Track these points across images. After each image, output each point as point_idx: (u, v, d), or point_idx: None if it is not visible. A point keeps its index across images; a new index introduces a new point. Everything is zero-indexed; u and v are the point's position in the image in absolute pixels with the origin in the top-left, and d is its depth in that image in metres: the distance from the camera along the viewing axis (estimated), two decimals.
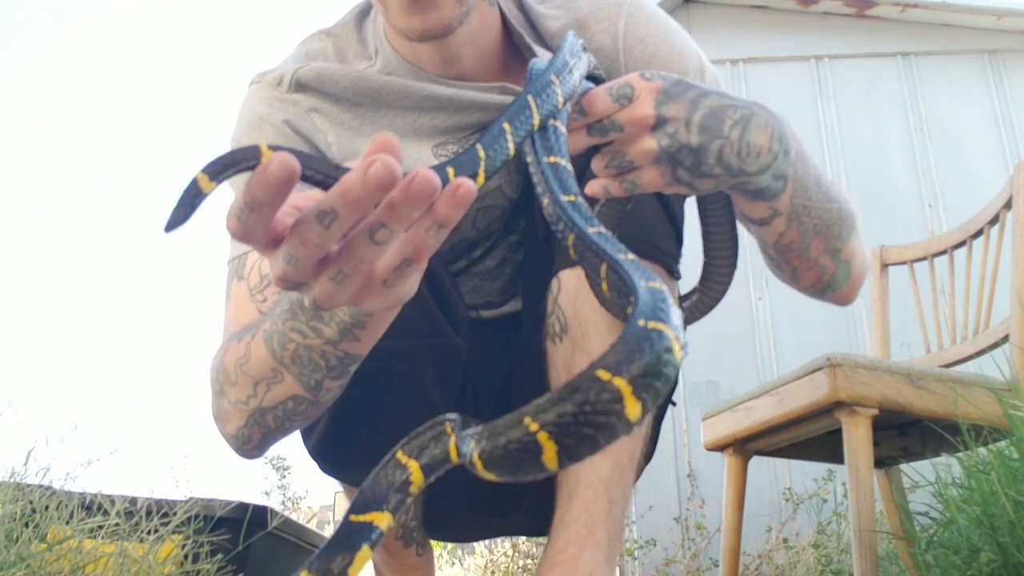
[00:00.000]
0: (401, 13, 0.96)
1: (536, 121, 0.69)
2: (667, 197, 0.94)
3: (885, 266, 2.13)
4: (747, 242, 1.02)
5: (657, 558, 3.20)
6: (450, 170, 0.59)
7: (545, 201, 0.66)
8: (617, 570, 3.49)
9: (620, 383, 0.43)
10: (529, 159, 0.69)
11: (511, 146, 0.66)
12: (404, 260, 0.56)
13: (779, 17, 4.04)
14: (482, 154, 0.64)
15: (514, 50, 1.11)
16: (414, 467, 0.58)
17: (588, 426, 0.43)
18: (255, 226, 0.53)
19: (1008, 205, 1.74)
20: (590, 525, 0.84)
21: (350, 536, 0.56)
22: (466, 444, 0.50)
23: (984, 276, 1.81)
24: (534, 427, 0.44)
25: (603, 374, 0.43)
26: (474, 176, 0.62)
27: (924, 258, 2.06)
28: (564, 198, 0.64)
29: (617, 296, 0.55)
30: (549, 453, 0.44)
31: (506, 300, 1.20)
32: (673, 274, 0.94)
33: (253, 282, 0.96)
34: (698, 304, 0.87)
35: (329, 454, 1.03)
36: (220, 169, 0.52)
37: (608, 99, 0.74)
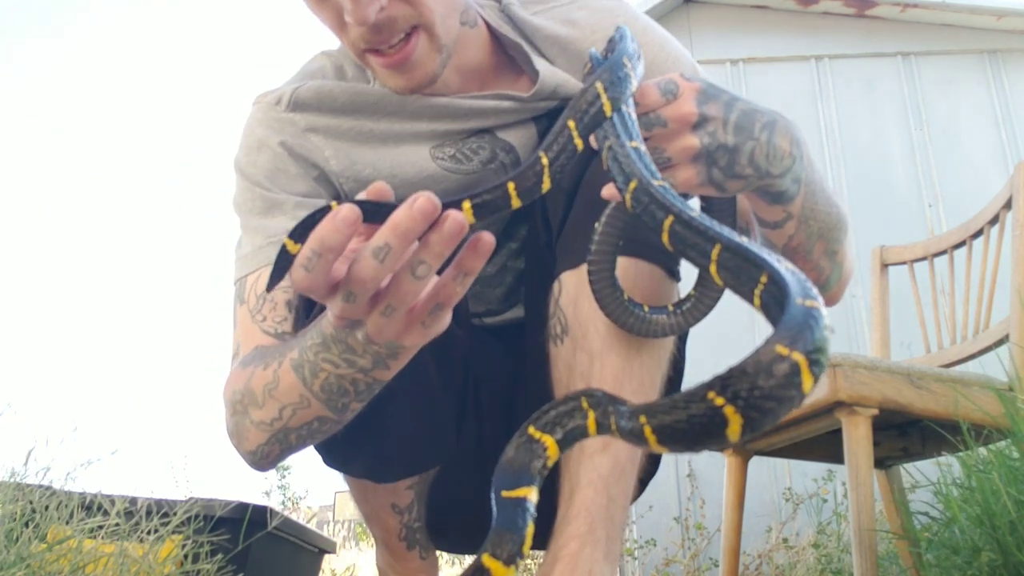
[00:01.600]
0: (386, 76, 1.02)
1: (608, 109, 0.69)
2: None
3: (885, 266, 2.13)
4: None
5: (657, 558, 3.20)
6: (511, 185, 0.64)
7: (632, 185, 0.64)
8: (618, 570, 3.50)
9: (799, 356, 0.44)
10: (608, 143, 0.69)
11: (578, 141, 0.67)
12: (437, 304, 0.65)
13: (779, 17, 4.04)
14: (545, 160, 0.66)
15: (506, 58, 1.12)
16: (550, 442, 0.60)
17: (772, 399, 0.45)
18: (319, 273, 0.60)
19: (1008, 205, 1.74)
20: (590, 522, 0.85)
21: (511, 515, 0.58)
22: (630, 419, 0.52)
23: (984, 276, 1.81)
24: (720, 401, 0.46)
25: (782, 349, 0.45)
26: (538, 185, 0.66)
27: (924, 258, 2.06)
28: (656, 182, 0.63)
29: (733, 278, 0.55)
30: (734, 426, 0.46)
31: (508, 307, 1.20)
32: (673, 275, 0.94)
33: (252, 304, 1.01)
34: (695, 307, 0.87)
35: (331, 444, 1.04)
36: (303, 231, 0.61)
37: (658, 92, 0.75)
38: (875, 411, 1.45)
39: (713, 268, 0.57)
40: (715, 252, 0.56)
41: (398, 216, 0.58)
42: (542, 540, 0.90)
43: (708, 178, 0.78)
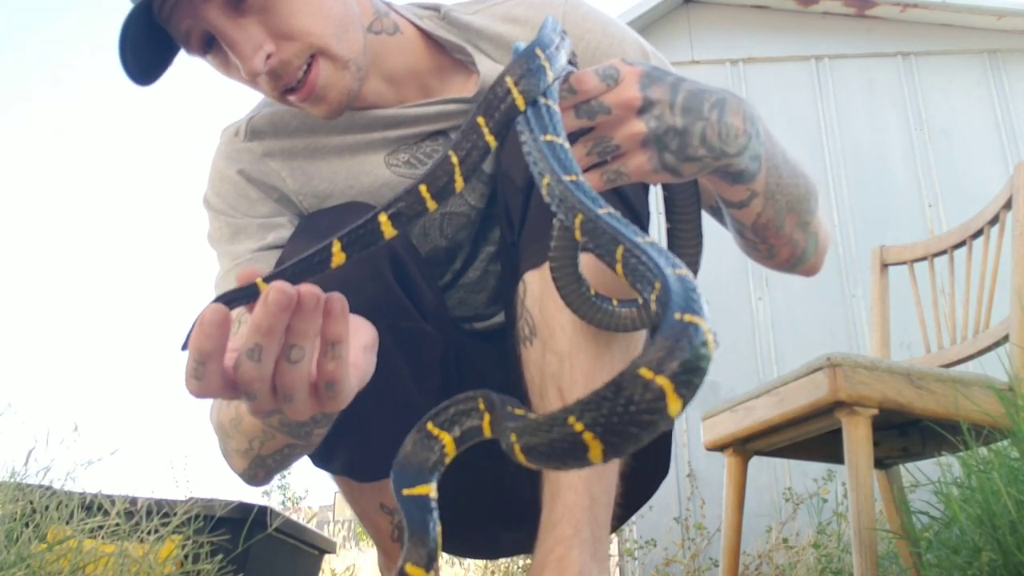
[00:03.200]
0: (305, 108, 1.04)
1: (521, 103, 0.67)
2: (629, 195, 0.94)
3: (885, 266, 2.13)
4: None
5: (657, 558, 3.20)
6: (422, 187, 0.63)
7: (544, 181, 0.62)
8: (618, 570, 3.50)
9: (663, 381, 0.42)
10: (523, 138, 0.67)
11: (488, 139, 0.66)
12: (326, 384, 0.64)
13: (779, 17, 4.04)
14: (455, 160, 0.64)
15: (452, 61, 1.13)
16: (447, 439, 0.60)
17: (633, 425, 0.43)
18: (211, 379, 0.59)
19: (1008, 205, 1.74)
20: (574, 525, 0.84)
21: (419, 517, 0.58)
22: (506, 435, 0.51)
23: (984, 276, 1.81)
24: (579, 427, 0.44)
25: (646, 373, 0.42)
26: (448, 185, 0.65)
27: (924, 258, 2.06)
28: (566, 177, 0.61)
29: (636, 282, 0.53)
30: (595, 451, 0.45)
31: (494, 312, 1.20)
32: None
33: None
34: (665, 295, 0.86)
35: None
36: (229, 301, 0.61)
37: (596, 78, 0.73)
38: (875, 411, 1.45)
39: (619, 269, 0.55)
40: (619, 252, 0.54)
41: (257, 316, 0.57)
42: (527, 543, 0.90)
43: (661, 163, 0.76)
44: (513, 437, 0.49)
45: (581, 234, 0.58)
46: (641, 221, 0.96)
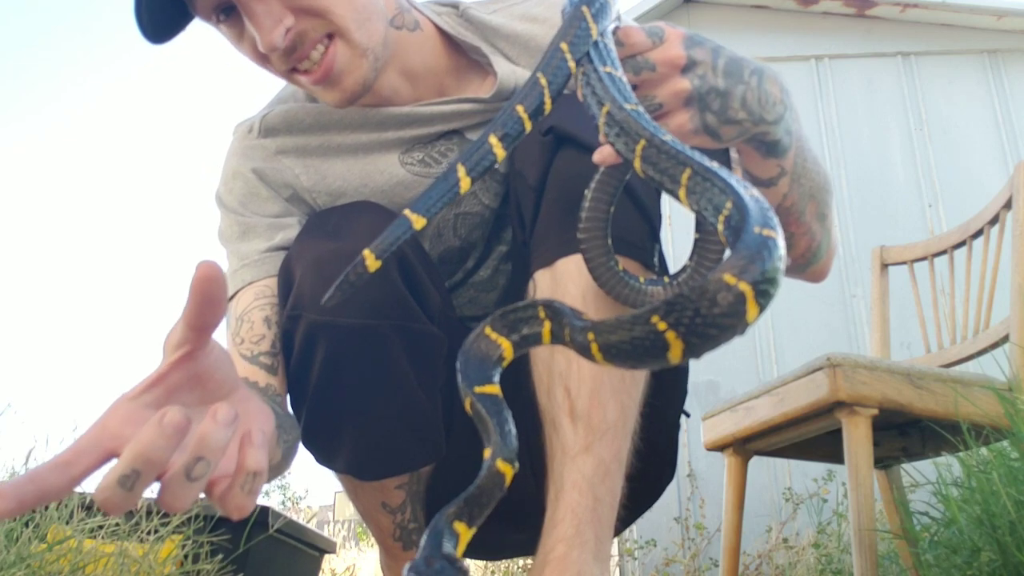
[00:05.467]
0: (319, 92, 1.02)
1: (595, 30, 0.69)
2: (640, 194, 0.94)
3: (885, 266, 2.13)
4: None
5: (657, 558, 3.20)
6: (519, 107, 0.64)
7: (604, 109, 0.63)
8: (617, 570, 3.49)
9: (745, 287, 0.44)
10: (581, 70, 0.68)
11: (571, 64, 0.67)
12: (234, 509, 0.57)
13: (779, 17, 4.04)
14: (543, 82, 0.65)
15: (469, 60, 1.13)
16: (506, 344, 0.61)
17: (714, 327, 0.45)
18: (140, 491, 0.53)
19: (1008, 205, 1.74)
20: (576, 524, 0.84)
21: (496, 412, 0.59)
22: (581, 335, 0.52)
23: (984, 276, 1.81)
24: (662, 326, 0.46)
25: (730, 278, 0.44)
26: (542, 106, 0.65)
27: (924, 258, 2.06)
28: (628, 106, 0.62)
29: (701, 205, 0.54)
30: (675, 350, 0.46)
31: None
32: (650, 267, 0.94)
33: (232, 326, 1.04)
34: (691, 279, 0.86)
35: (315, 438, 1.04)
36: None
37: (643, 33, 0.74)
38: (875, 411, 1.45)
39: (682, 193, 0.56)
40: (685, 176, 0.55)
41: (146, 440, 0.51)
42: (531, 545, 0.90)
43: (702, 124, 0.77)
44: (591, 336, 0.51)
45: (641, 162, 0.59)
46: (652, 223, 0.96)
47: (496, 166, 0.68)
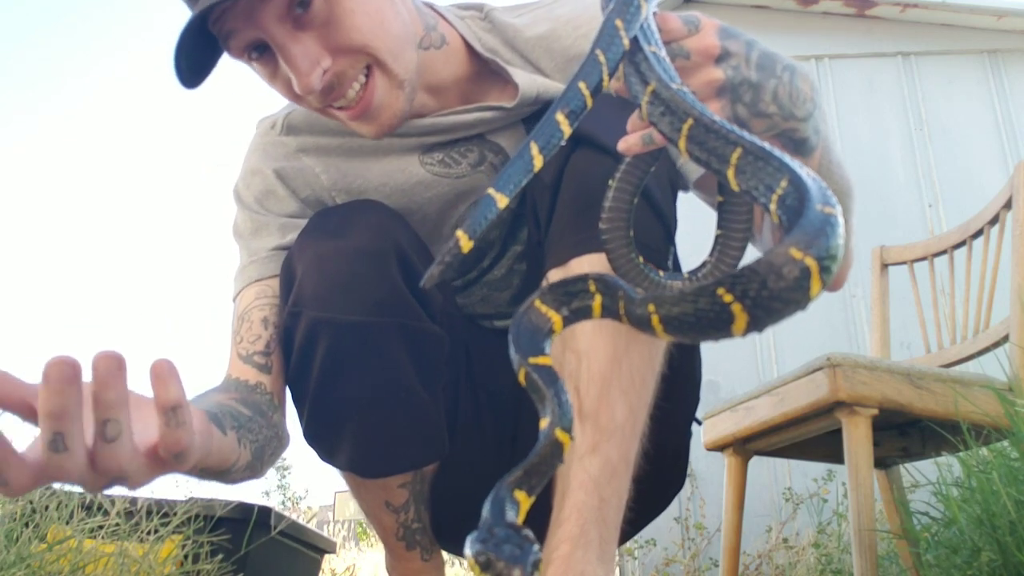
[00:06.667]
0: (352, 126, 1.01)
1: (645, 10, 0.68)
2: (657, 197, 0.94)
3: (885, 266, 2.13)
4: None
5: (657, 558, 3.20)
6: (582, 84, 0.63)
7: (649, 88, 0.63)
8: (617, 570, 3.49)
9: (811, 262, 0.45)
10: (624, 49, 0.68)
11: (625, 41, 0.67)
12: (174, 456, 0.57)
13: (779, 17, 4.04)
14: (602, 59, 0.65)
15: (487, 67, 1.12)
16: (555, 318, 0.61)
17: (779, 301, 0.45)
18: (77, 450, 0.53)
19: (1008, 205, 1.74)
20: (581, 524, 0.84)
21: (551, 383, 0.59)
22: (640, 307, 0.52)
23: (984, 276, 1.81)
24: (728, 298, 0.46)
25: (796, 253, 0.45)
26: (600, 82, 0.65)
27: (924, 258, 2.06)
28: (673, 84, 0.63)
29: (752, 184, 0.54)
30: (740, 322, 0.47)
31: (517, 310, 1.21)
32: (664, 270, 0.94)
33: (234, 324, 1.05)
34: (712, 274, 0.86)
35: (318, 434, 1.04)
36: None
37: (679, 21, 0.75)
38: (875, 411, 1.45)
39: (731, 172, 0.56)
40: (735, 156, 0.55)
41: (42, 400, 0.51)
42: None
43: (732, 115, 0.78)
44: (651, 308, 0.51)
45: (688, 142, 0.59)
46: (668, 226, 0.96)
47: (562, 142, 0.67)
